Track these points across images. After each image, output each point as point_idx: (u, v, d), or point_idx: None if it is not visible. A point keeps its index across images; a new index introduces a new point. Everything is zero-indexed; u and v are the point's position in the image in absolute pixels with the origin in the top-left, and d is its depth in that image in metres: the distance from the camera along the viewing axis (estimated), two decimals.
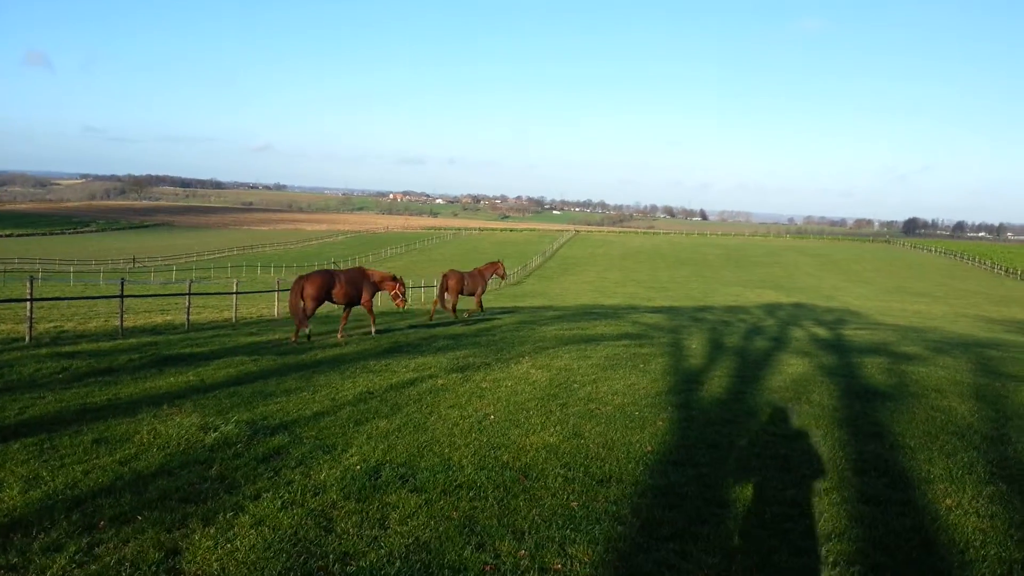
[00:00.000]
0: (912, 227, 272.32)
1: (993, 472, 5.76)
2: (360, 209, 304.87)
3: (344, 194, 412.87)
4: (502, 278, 23.93)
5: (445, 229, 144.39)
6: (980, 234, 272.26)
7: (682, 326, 19.21)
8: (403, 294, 16.88)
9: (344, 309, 15.94)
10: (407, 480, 5.54)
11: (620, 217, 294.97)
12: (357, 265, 16.27)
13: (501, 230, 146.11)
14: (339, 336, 14.91)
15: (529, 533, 4.58)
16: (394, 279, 16.54)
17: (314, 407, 7.99)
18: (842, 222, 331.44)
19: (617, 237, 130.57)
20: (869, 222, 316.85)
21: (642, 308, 33.05)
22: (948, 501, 5.15)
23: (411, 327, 17.66)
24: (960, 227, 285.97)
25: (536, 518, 4.82)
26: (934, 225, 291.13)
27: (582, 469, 5.84)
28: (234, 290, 21.48)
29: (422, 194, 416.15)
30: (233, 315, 20.81)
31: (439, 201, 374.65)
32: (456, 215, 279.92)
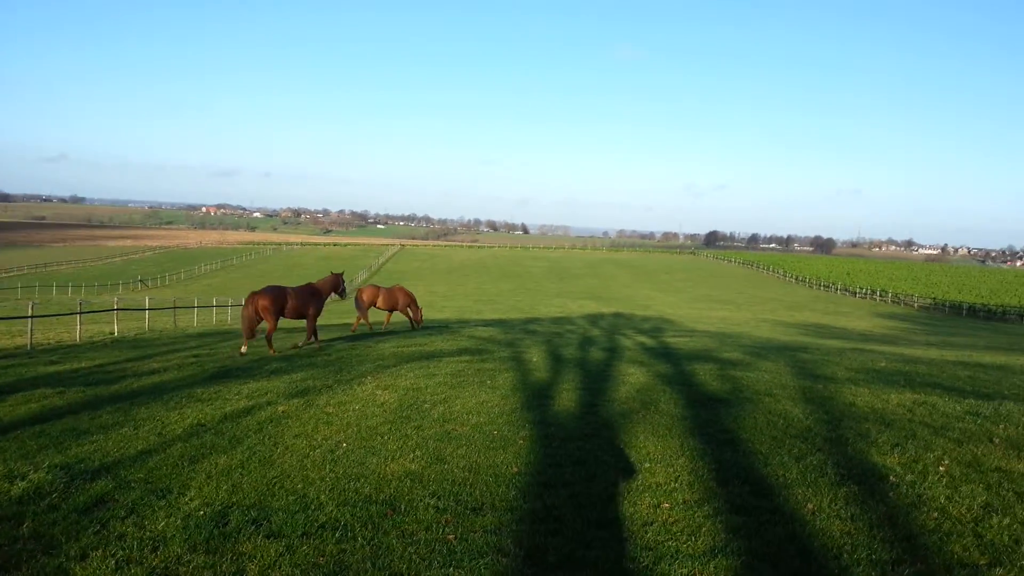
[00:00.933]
0: (713, 239, 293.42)
1: (842, 473, 6.05)
2: (169, 223, 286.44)
3: (151, 207, 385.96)
4: (416, 321, 23.45)
5: (265, 244, 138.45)
6: (771, 245, 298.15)
7: (517, 339, 19.31)
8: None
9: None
10: (260, 524, 4.99)
11: (445, 231, 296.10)
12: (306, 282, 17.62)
13: (325, 245, 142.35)
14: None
15: None
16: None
17: (138, 445, 7.13)
18: (651, 235, 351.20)
19: (443, 251, 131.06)
20: (675, 235, 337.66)
21: (473, 321, 33.11)
22: (810, 506, 5.31)
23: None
24: (754, 239, 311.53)
25: (413, 557, 4.47)
26: (731, 237, 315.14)
27: (452, 497, 5.53)
28: (29, 313, 19.22)
29: (238, 207, 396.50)
30: (28, 341, 18.60)
31: (257, 215, 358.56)
32: (276, 229, 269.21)
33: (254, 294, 15.57)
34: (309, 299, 16.45)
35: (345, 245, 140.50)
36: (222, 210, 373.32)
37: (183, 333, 23.82)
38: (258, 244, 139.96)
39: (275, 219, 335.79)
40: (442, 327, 25.51)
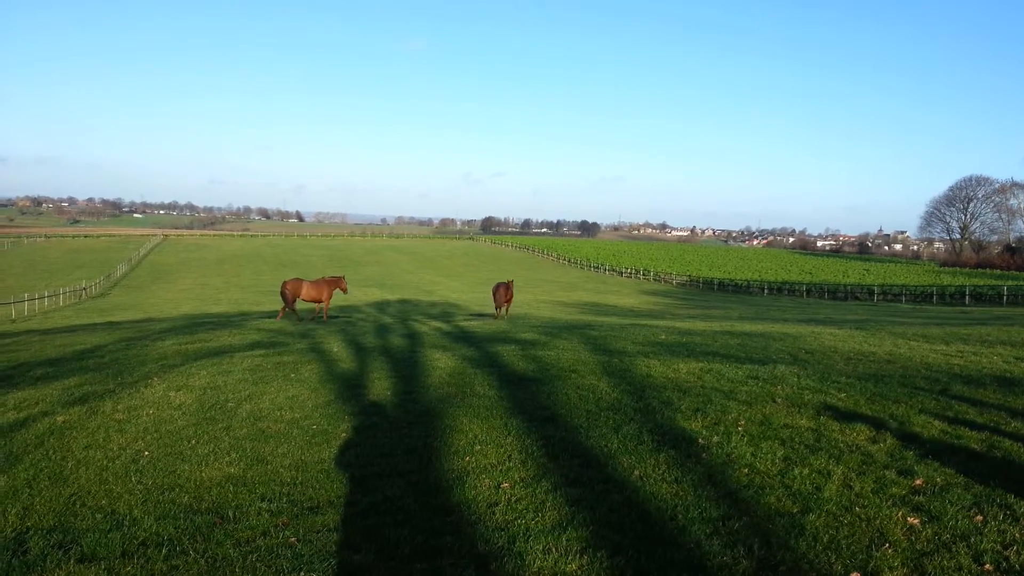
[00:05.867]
0: (488, 225, 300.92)
1: (657, 440, 6.45)
2: None
3: None
4: (344, 291, 25.15)
5: (0, 237, 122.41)
6: (543, 230, 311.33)
7: (310, 330, 18.67)
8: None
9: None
10: (69, 548, 4.42)
11: (212, 220, 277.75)
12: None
13: (74, 236, 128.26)
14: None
15: None
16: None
17: None
18: (429, 221, 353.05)
19: (212, 240, 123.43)
20: (452, 221, 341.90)
21: (255, 314, 31.54)
22: (636, 472, 5.62)
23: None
24: (527, 224, 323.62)
25: (257, 565, 4.17)
26: (506, 223, 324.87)
27: (284, 499, 5.23)
28: None
29: None
30: None
31: None
32: (12, 220, 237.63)
33: (500, 284, 24.12)
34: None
35: (98, 236, 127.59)
36: None
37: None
38: None
39: (11, 208, 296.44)
40: (224, 322, 24.06)
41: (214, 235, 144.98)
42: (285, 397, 8.67)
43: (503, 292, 24.94)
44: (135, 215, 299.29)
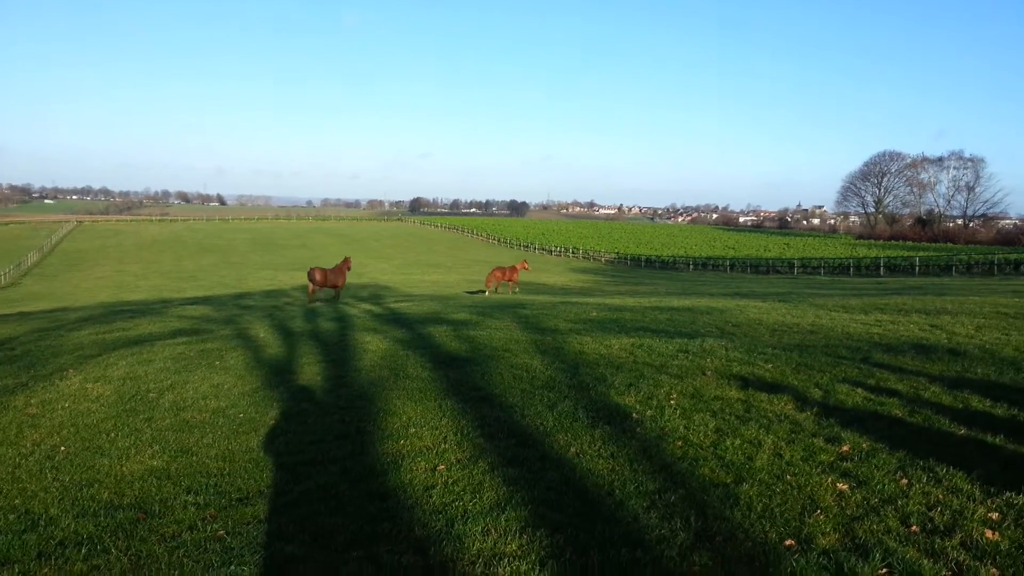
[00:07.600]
0: (417, 206, 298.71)
1: (592, 416, 6.47)
2: None
3: None
4: (348, 269, 25.85)
5: None
6: (472, 210, 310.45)
7: (235, 315, 18.18)
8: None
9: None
10: None
11: (128, 204, 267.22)
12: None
13: None
14: None
15: None
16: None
17: None
18: (357, 203, 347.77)
19: (129, 226, 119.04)
20: (381, 203, 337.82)
21: (177, 301, 30.58)
22: (573, 449, 5.61)
23: None
24: (456, 204, 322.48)
25: (184, 561, 3.99)
26: (435, 203, 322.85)
27: (211, 490, 5.04)
28: None
29: None
30: None
31: None
32: None
33: (497, 268, 26.61)
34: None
35: (6, 224, 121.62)
36: None
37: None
38: None
39: None
40: (143, 309, 23.24)
41: (131, 220, 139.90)
42: (210, 385, 8.39)
43: (499, 274, 29.77)
44: (46, 200, 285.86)
